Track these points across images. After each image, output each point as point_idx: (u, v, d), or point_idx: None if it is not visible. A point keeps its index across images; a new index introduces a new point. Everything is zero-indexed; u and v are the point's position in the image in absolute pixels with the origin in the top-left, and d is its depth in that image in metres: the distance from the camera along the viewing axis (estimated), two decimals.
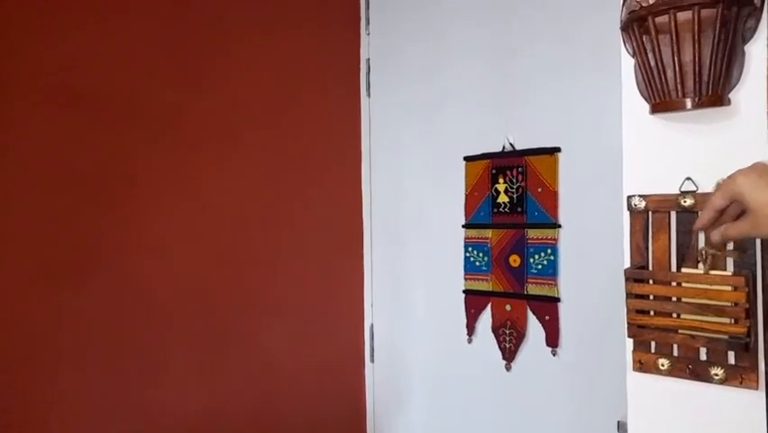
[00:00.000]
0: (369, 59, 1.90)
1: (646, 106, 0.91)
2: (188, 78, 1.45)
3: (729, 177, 0.71)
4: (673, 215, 0.90)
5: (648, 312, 0.88)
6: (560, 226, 1.47)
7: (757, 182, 0.67)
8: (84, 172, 1.26)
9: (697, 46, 0.81)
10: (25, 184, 1.18)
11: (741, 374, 0.82)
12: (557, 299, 1.46)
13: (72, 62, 1.25)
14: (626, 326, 0.90)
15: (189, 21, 1.46)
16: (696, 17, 0.80)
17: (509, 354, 1.56)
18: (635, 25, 0.87)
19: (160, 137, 1.39)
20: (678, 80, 0.84)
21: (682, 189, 0.89)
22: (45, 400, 1.19)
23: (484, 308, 1.61)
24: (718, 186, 0.73)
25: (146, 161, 1.36)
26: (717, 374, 0.84)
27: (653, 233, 0.91)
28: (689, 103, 0.84)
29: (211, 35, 1.50)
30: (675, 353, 0.88)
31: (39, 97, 1.19)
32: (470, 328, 1.64)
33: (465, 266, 1.65)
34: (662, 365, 0.88)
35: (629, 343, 0.92)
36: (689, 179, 0.88)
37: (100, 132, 1.28)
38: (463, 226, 1.65)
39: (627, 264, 0.93)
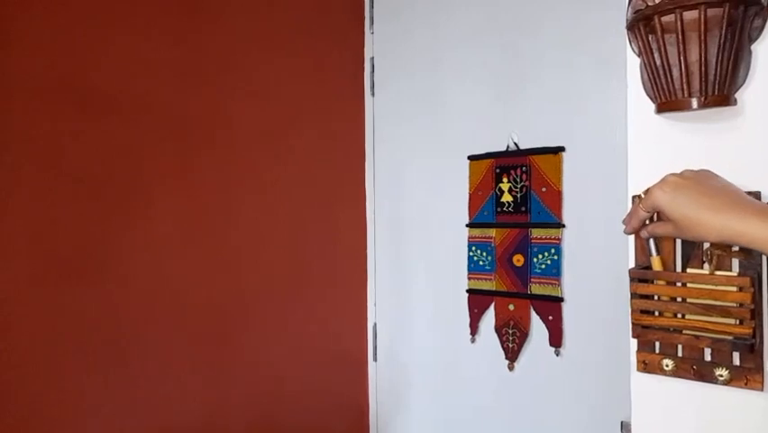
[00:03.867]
0: (373, 57, 1.90)
1: (652, 106, 0.90)
2: (191, 79, 1.45)
3: (648, 190, 0.73)
4: None
5: (653, 312, 0.88)
6: (564, 226, 1.46)
7: (672, 196, 0.69)
8: (86, 173, 1.26)
9: (703, 46, 0.80)
10: (28, 184, 1.18)
11: (746, 375, 0.82)
12: (561, 299, 1.46)
13: (77, 64, 1.25)
14: (630, 326, 0.90)
15: (193, 21, 1.46)
16: (702, 16, 0.79)
17: (512, 354, 1.55)
18: (641, 24, 0.86)
19: (163, 138, 1.39)
20: (684, 80, 0.83)
21: None
22: (46, 400, 1.19)
23: (487, 307, 1.61)
24: (644, 195, 0.75)
25: (148, 162, 1.36)
26: (721, 375, 0.83)
27: None
28: (695, 103, 0.84)
29: (215, 35, 1.50)
30: (680, 353, 0.88)
31: (42, 98, 1.20)
32: (474, 328, 1.64)
33: (469, 265, 1.65)
34: (667, 366, 0.88)
35: (633, 343, 0.92)
36: None
37: (103, 133, 1.29)
38: (467, 226, 1.65)
39: (632, 264, 0.93)
